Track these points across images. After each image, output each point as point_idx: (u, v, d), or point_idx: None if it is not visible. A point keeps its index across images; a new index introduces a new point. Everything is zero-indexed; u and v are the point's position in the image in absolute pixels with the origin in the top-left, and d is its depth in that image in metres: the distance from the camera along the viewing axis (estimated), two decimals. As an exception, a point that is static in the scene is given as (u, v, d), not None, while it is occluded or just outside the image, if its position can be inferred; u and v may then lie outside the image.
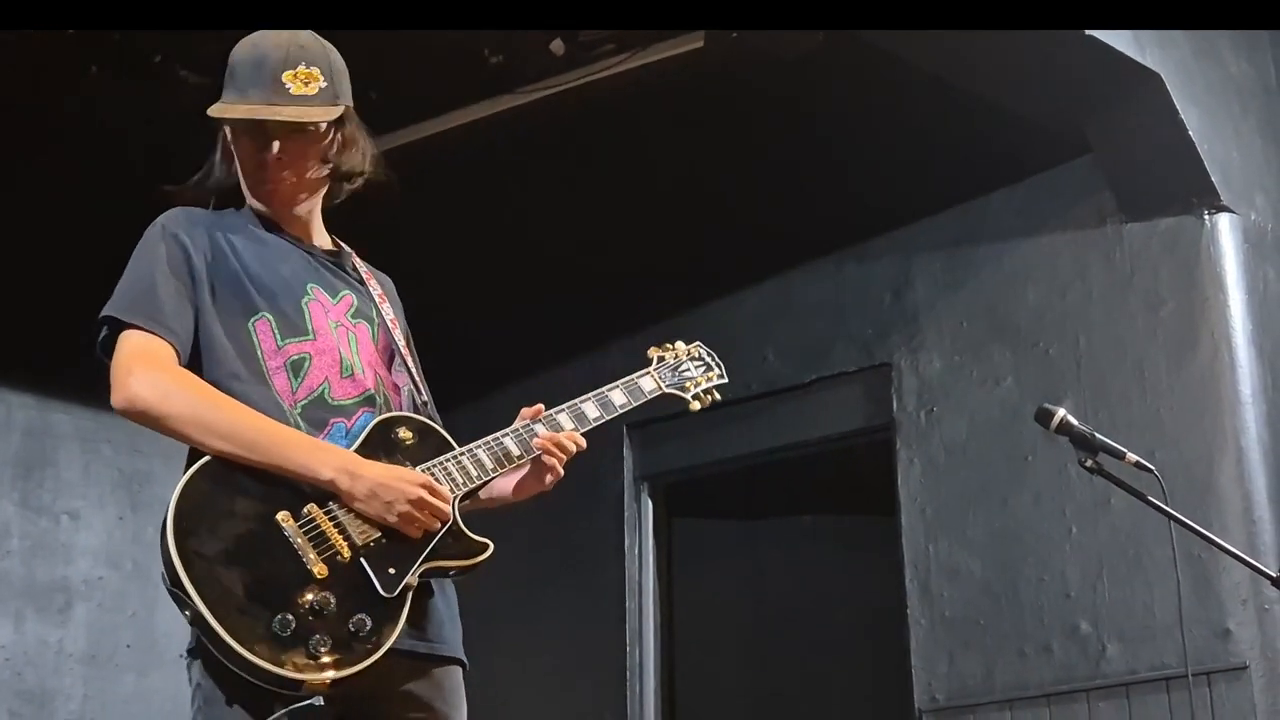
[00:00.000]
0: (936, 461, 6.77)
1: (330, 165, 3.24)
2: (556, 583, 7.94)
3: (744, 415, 7.48)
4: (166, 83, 5.63)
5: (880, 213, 7.04)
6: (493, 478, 3.16)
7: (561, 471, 3.24)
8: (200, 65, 5.57)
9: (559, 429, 3.25)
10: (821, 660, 8.01)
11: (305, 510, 2.90)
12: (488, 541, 3.05)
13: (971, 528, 6.58)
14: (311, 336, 3.12)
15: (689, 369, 3.63)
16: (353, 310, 3.25)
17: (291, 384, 3.06)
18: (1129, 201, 6.41)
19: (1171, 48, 6.09)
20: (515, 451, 3.18)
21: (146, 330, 2.99)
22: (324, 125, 3.19)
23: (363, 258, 3.42)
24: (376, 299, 3.32)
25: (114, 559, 7.94)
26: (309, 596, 2.81)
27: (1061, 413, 3.76)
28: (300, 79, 3.16)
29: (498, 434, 3.19)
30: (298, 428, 3.00)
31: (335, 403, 3.09)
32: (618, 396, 3.40)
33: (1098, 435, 3.73)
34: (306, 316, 3.14)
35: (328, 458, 2.94)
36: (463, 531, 3.04)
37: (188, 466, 2.91)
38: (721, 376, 3.68)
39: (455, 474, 3.07)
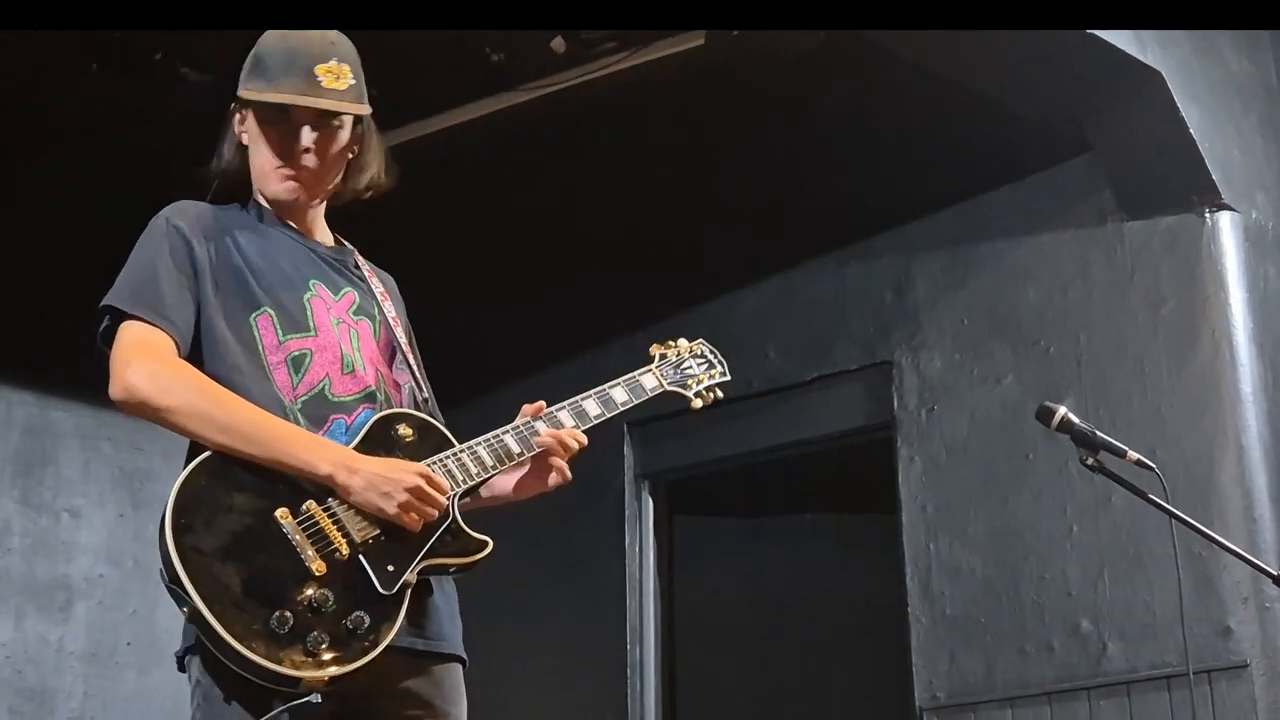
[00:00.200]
0: (937, 459, 6.77)
1: (347, 163, 3.28)
2: (557, 581, 7.94)
3: (745, 413, 7.48)
4: (167, 81, 5.63)
5: (881, 211, 7.04)
6: (493, 475, 3.16)
7: (569, 472, 3.24)
8: (200, 63, 5.58)
9: (560, 426, 3.25)
10: (822, 658, 8.01)
11: (304, 507, 2.89)
12: (487, 539, 3.05)
13: (972, 526, 6.58)
14: (313, 332, 3.12)
15: (691, 366, 3.61)
16: (354, 307, 3.25)
17: (292, 379, 3.06)
18: (1130, 200, 6.41)
19: (1172, 46, 6.09)
20: (516, 449, 3.17)
21: (147, 321, 2.99)
22: (350, 120, 3.23)
23: (365, 255, 3.43)
24: (378, 296, 3.32)
25: (114, 557, 7.94)
26: (307, 593, 2.81)
27: (1063, 411, 3.76)
28: (332, 74, 3.19)
29: (498, 431, 3.18)
30: (298, 423, 3.00)
31: (336, 399, 3.08)
32: (619, 394, 3.39)
33: (1099, 433, 3.73)
34: (308, 312, 3.14)
35: (325, 453, 2.94)
36: (462, 529, 3.03)
37: (187, 463, 2.91)
38: (724, 374, 3.67)
39: (455, 471, 3.06)
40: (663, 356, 3.58)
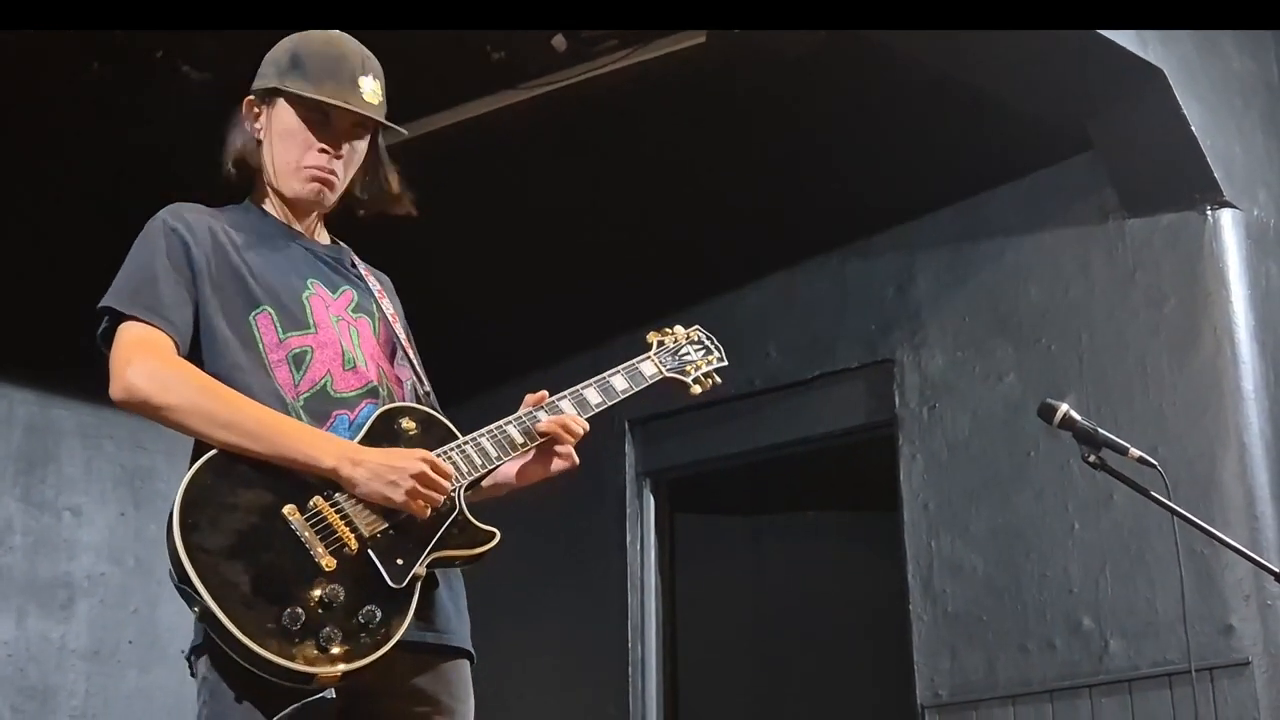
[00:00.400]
0: (939, 457, 6.77)
1: (364, 180, 3.33)
2: (559, 578, 7.94)
3: (746, 411, 7.49)
4: (168, 79, 5.63)
5: (883, 209, 7.04)
6: (498, 466, 3.16)
7: (575, 458, 3.25)
8: (201, 61, 5.58)
9: (561, 414, 3.26)
10: (824, 656, 8.01)
11: (311, 503, 2.89)
12: (494, 530, 3.05)
13: (974, 523, 6.58)
14: (313, 330, 3.12)
15: (689, 353, 3.62)
16: (353, 305, 3.25)
17: (294, 377, 3.06)
18: (1131, 197, 6.41)
19: (1174, 44, 6.08)
20: (519, 439, 3.18)
21: (146, 321, 2.99)
22: (369, 136, 3.30)
23: (366, 253, 3.43)
24: (376, 294, 3.33)
25: (116, 555, 7.94)
26: (317, 589, 2.81)
27: (1064, 408, 3.76)
28: (369, 88, 3.24)
29: (501, 422, 3.19)
30: (300, 420, 3.00)
31: (338, 395, 3.08)
32: (619, 381, 3.40)
33: (1100, 430, 3.73)
34: (307, 310, 3.15)
35: (329, 446, 2.94)
36: (469, 521, 3.04)
37: (192, 462, 2.91)
38: (721, 359, 3.67)
39: (460, 463, 3.06)
40: (660, 344, 3.59)
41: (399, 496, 2.91)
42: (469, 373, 6.62)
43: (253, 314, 3.09)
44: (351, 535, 2.89)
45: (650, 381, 3.49)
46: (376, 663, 2.82)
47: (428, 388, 3.29)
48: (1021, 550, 6.42)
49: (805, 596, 8.15)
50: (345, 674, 2.78)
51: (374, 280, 3.38)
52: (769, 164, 6.64)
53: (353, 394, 3.10)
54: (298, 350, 3.09)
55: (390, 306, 3.35)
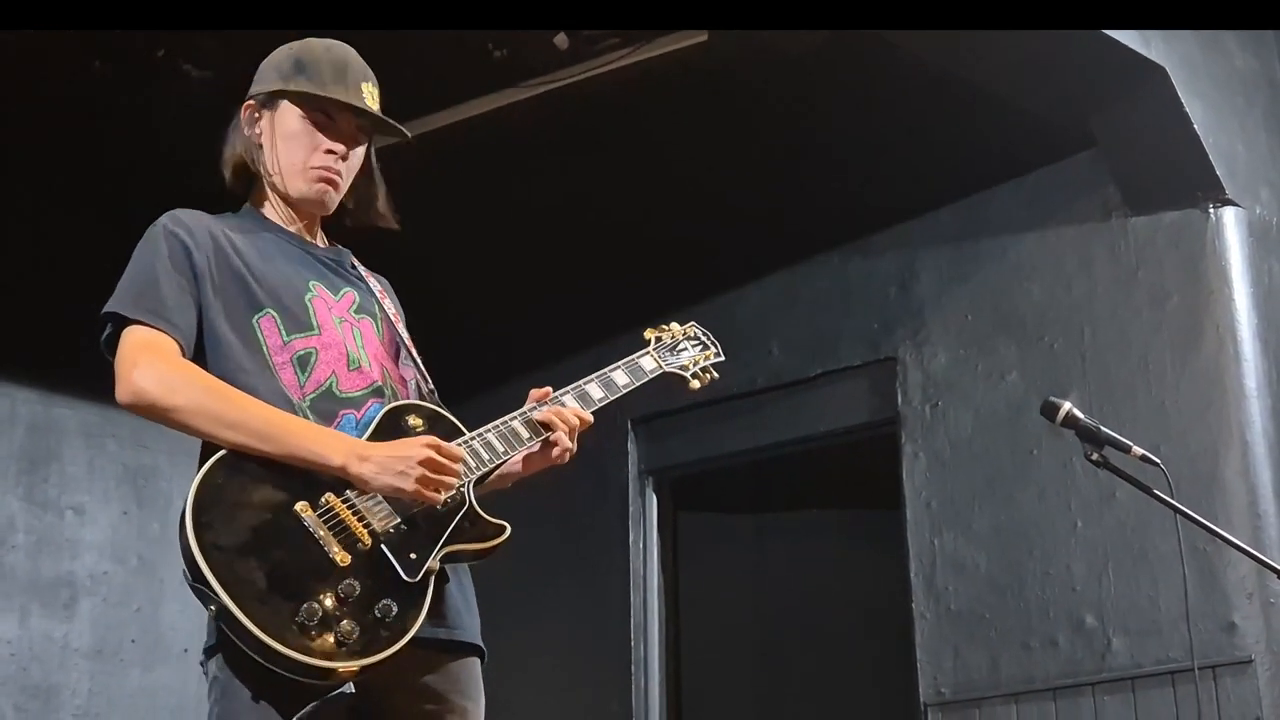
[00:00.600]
0: (941, 455, 6.77)
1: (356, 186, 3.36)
2: (561, 576, 7.95)
3: (749, 409, 7.49)
4: (169, 77, 5.63)
5: (885, 207, 7.03)
6: (504, 460, 3.18)
7: (573, 445, 3.26)
8: (202, 60, 5.58)
9: None
10: (826, 654, 8.01)
11: (323, 500, 2.90)
12: (504, 524, 3.07)
13: (977, 521, 6.58)
14: (316, 331, 3.14)
15: (686, 348, 3.68)
16: (355, 306, 3.27)
17: (299, 378, 3.07)
18: (1134, 195, 6.40)
19: (1176, 41, 6.08)
20: (525, 433, 3.21)
21: (150, 325, 3.00)
22: (367, 143, 3.35)
23: (368, 252, 3.45)
24: (377, 295, 3.35)
25: (119, 554, 7.95)
26: (333, 585, 2.82)
27: (1067, 406, 3.76)
28: (371, 94, 3.30)
29: (506, 417, 3.22)
30: (307, 420, 3.01)
31: (343, 395, 3.10)
32: (620, 376, 3.45)
33: (1103, 429, 3.73)
34: (310, 312, 3.16)
35: (337, 444, 2.95)
36: (479, 515, 3.06)
37: (201, 462, 2.91)
38: (718, 355, 3.73)
39: (467, 458, 3.08)
40: (658, 340, 3.65)
41: (409, 486, 2.93)
42: (471, 371, 6.62)
43: (256, 317, 3.10)
44: (364, 530, 2.90)
45: (650, 376, 3.54)
46: (393, 657, 2.83)
47: (431, 386, 3.30)
48: (1024, 548, 6.42)
49: (808, 595, 8.15)
50: (364, 668, 2.79)
51: (374, 281, 3.40)
52: (771, 162, 6.63)
53: (358, 394, 3.12)
54: (302, 352, 3.10)
55: (392, 307, 3.38)
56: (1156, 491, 3.73)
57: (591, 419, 3.30)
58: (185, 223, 3.15)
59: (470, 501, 3.05)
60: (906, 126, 6.40)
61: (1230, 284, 6.20)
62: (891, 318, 7.08)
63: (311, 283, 3.21)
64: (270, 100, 3.27)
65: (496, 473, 3.26)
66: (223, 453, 2.90)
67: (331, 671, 2.76)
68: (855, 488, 7.99)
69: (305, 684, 2.77)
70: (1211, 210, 6.26)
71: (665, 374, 3.57)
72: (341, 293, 3.26)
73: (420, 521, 2.97)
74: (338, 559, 2.85)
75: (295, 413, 3.00)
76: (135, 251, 3.13)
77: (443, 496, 2.98)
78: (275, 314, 3.11)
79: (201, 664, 2.98)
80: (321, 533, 2.86)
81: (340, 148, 3.25)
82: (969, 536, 6.59)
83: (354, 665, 2.77)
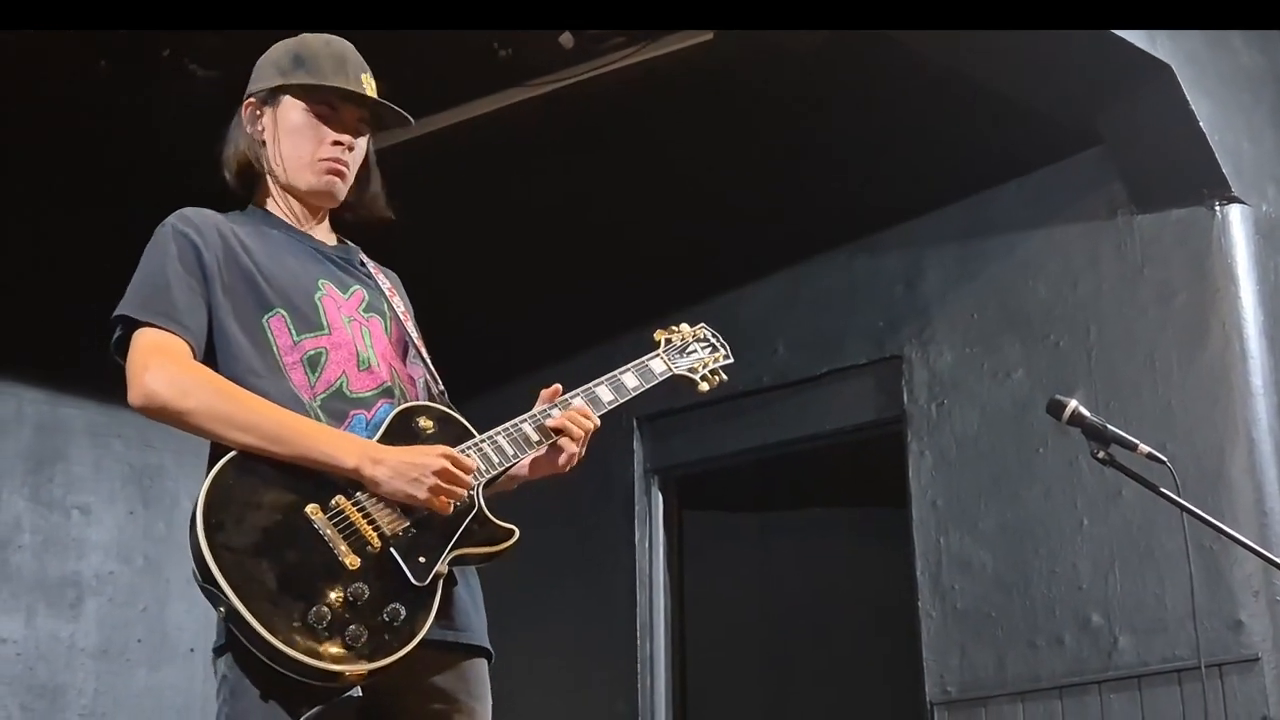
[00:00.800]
0: (947, 454, 6.77)
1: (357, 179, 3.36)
2: (567, 576, 7.94)
3: (755, 408, 7.48)
4: (175, 77, 5.64)
5: (890, 205, 7.03)
6: (514, 463, 3.18)
7: (581, 451, 3.26)
8: (208, 59, 5.58)
9: None
10: (833, 653, 8.01)
11: (333, 502, 2.90)
12: (513, 528, 3.07)
13: (983, 520, 6.58)
14: (326, 331, 3.13)
15: (696, 350, 3.66)
16: (364, 304, 3.26)
17: (309, 379, 3.07)
18: (1140, 193, 6.40)
19: (1182, 39, 6.07)
20: (534, 436, 3.21)
21: (161, 328, 3.00)
22: (370, 132, 3.35)
23: (374, 251, 3.44)
24: (386, 292, 3.34)
25: (125, 554, 7.95)
26: (342, 588, 2.82)
27: (1073, 404, 3.75)
28: (369, 85, 3.30)
29: (516, 420, 3.21)
30: (318, 420, 3.00)
31: (354, 395, 3.10)
32: (629, 379, 3.43)
33: (1110, 427, 3.72)
34: (320, 311, 3.15)
35: (349, 446, 2.95)
36: (488, 518, 3.06)
37: (210, 463, 2.91)
38: (728, 357, 3.71)
39: (478, 461, 3.07)
40: (668, 342, 3.63)
41: (422, 494, 2.93)
42: (476, 370, 6.62)
43: (266, 317, 3.10)
44: (374, 534, 2.90)
45: (660, 379, 3.53)
46: (401, 660, 2.83)
47: (441, 387, 3.30)
48: (1030, 546, 6.41)
49: (814, 593, 8.15)
50: (372, 672, 2.79)
51: (383, 278, 3.39)
52: (776, 161, 6.63)
53: (368, 394, 3.12)
54: (312, 352, 3.09)
55: (400, 304, 3.36)
56: (1163, 489, 3.72)
57: (599, 423, 3.29)
58: (194, 222, 3.15)
59: (480, 505, 3.05)
60: (912, 125, 6.39)
61: (1236, 281, 6.19)
62: (897, 316, 7.07)
63: (321, 281, 3.21)
64: (271, 96, 3.27)
65: (505, 476, 3.26)
66: (233, 454, 2.90)
67: (339, 675, 2.76)
68: (861, 486, 7.98)
69: (313, 686, 2.77)
70: (1217, 207, 6.25)
71: (675, 377, 3.57)
72: (350, 291, 3.26)
73: (429, 524, 2.97)
74: (347, 562, 2.85)
75: (306, 413, 3.00)
76: (144, 252, 3.12)
77: (451, 508, 2.98)
78: (285, 313, 3.11)
79: (212, 660, 2.98)
80: (331, 535, 2.86)
81: (346, 138, 3.26)
82: (975, 535, 6.58)
83: (362, 669, 2.78)
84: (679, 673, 7.75)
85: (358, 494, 2.93)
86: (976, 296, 6.83)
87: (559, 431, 3.22)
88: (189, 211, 3.19)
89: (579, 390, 3.32)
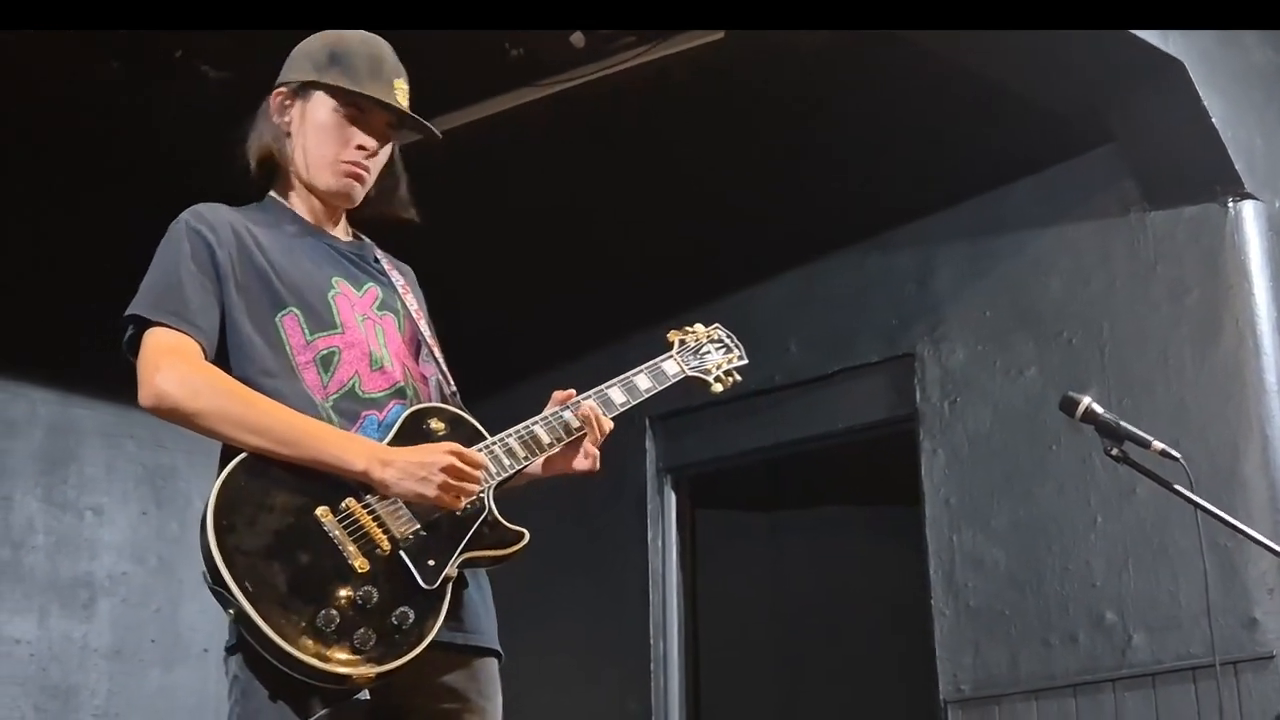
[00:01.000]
0: (960, 452, 6.76)
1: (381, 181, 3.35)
2: (580, 575, 7.94)
3: (767, 407, 7.48)
4: (188, 77, 5.64)
5: (903, 203, 7.02)
6: (525, 466, 3.17)
7: (596, 452, 3.25)
8: (220, 60, 5.59)
9: None
10: (846, 651, 8.00)
11: (343, 504, 2.90)
12: (523, 530, 3.06)
13: (996, 518, 6.57)
14: (340, 330, 3.12)
15: (710, 351, 3.63)
16: (378, 302, 3.26)
17: (322, 378, 3.06)
18: (1152, 190, 6.39)
19: (1194, 36, 6.06)
20: (546, 439, 3.19)
21: (172, 327, 2.98)
22: (394, 139, 3.34)
23: (384, 249, 3.43)
24: (399, 290, 3.33)
25: (138, 554, 7.96)
26: (351, 591, 2.81)
27: (1087, 401, 3.74)
28: (403, 91, 3.29)
29: (528, 422, 3.20)
30: (330, 421, 3.00)
31: (366, 395, 3.09)
32: (643, 381, 3.41)
33: (1123, 423, 3.71)
34: (334, 310, 3.14)
35: (359, 448, 2.94)
36: (499, 521, 3.05)
37: (221, 464, 2.91)
38: (742, 358, 3.69)
39: (489, 464, 3.07)
40: (681, 343, 3.61)
41: (431, 492, 2.92)
42: (487, 370, 6.62)
43: (279, 315, 3.08)
44: (383, 536, 2.90)
45: (673, 380, 3.51)
46: (409, 664, 2.83)
47: (454, 388, 3.28)
48: (1044, 544, 6.41)
49: (827, 592, 8.15)
50: (380, 675, 2.79)
51: (397, 274, 3.38)
52: (788, 160, 6.63)
53: (381, 394, 3.11)
54: (325, 351, 3.08)
55: (414, 302, 3.35)
56: (1176, 486, 3.71)
57: (612, 425, 3.28)
58: (208, 219, 3.13)
59: (490, 507, 3.04)
60: (923, 123, 6.38)
61: (1249, 278, 6.19)
62: (909, 314, 7.07)
63: (334, 279, 3.20)
64: (302, 90, 3.25)
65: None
66: (244, 455, 2.89)
67: (347, 678, 2.76)
68: (874, 485, 7.97)
69: (323, 688, 2.77)
70: (1230, 204, 6.25)
71: (688, 378, 3.55)
72: (364, 288, 3.25)
73: (439, 527, 2.96)
74: (356, 565, 2.84)
75: (318, 413, 2.99)
76: (158, 250, 3.11)
77: (464, 503, 2.97)
78: (298, 312, 3.09)
79: (224, 660, 2.98)
80: (341, 538, 2.86)
81: (371, 144, 3.24)
82: (988, 533, 6.58)
83: (370, 672, 2.78)
84: (692, 671, 7.75)
85: (368, 497, 2.92)
86: (989, 294, 6.82)
87: (570, 432, 3.21)
88: (203, 208, 3.17)
89: (591, 392, 3.31)
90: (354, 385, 3.08)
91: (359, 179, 3.25)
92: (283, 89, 3.28)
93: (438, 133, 3.32)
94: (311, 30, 3.37)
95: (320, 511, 2.87)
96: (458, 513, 2.98)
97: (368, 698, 2.82)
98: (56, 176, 6.30)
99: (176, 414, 2.93)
